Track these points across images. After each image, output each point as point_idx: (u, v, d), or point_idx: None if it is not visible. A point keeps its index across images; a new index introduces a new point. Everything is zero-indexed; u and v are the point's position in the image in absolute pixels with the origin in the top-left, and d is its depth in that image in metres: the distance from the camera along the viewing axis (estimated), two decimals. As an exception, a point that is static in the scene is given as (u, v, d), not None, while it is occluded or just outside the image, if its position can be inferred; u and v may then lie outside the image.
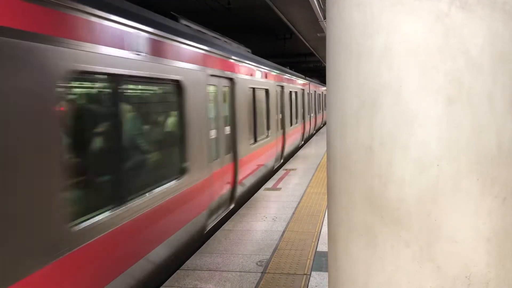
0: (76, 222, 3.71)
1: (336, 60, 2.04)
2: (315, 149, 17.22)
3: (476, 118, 1.75)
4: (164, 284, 5.06)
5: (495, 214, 1.79)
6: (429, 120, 1.77)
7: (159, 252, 5.07)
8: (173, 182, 5.41)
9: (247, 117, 8.95)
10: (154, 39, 4.96)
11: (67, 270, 3.54)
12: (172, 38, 5.42)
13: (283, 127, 13.42)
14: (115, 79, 4.23)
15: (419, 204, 1.81)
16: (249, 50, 10.80)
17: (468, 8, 1.72)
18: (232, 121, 8.08)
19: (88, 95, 4.10)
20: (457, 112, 1.75)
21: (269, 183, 10.60)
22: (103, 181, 4.19)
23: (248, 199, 9.05)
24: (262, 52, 23.86)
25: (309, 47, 22.42)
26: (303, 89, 18.41)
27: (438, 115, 1.76)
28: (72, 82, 3.70)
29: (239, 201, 8.57)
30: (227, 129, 7.87)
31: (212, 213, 7.02)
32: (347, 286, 2.05)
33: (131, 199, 4.48)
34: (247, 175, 9.04)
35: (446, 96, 1.76)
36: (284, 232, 6.82)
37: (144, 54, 4.69)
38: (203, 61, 6.48)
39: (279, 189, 9.96)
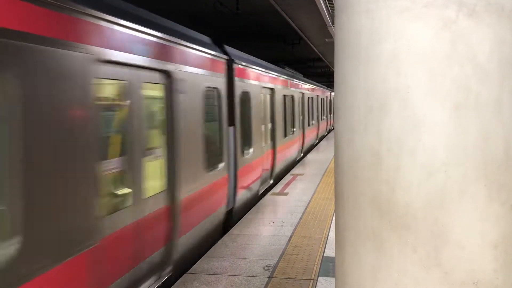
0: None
1: (345, 66, 2.05)
2: (323, 154, 17.22)
3: (483, 124, 1.76)
4: (171, 288, 5.07)
5: (502, 220, 1.80)
6: (436, 125, 1.78)
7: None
8: (292, 133, 14.47)
9: (308, 111, 18.81)
10: (290, 81, 14.04)
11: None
12: (292, 79, 14.54)
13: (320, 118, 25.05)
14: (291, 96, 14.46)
15: (426, 209, 1.82)
16: (301, 75, 19.94)
17: (476, 15, 1.74)
18: (302, 112, 17.11)
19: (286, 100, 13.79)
20: (465, 118, 1.76)
21: (277, 188, 10.60)
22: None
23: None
24: (270, 57, 23.90)
25: (317, 52, 22.44)
26: (327, 97, 28.45)
27: (445, 120, 1.78)
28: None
29: (319, 140, 22.87)
30: (306, 115, 18.09)
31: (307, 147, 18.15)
32: (354, 290, 2.06)
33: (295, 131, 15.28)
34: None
35: (454, 102, 1.77)
36: (291, 237, 6.82)
37: (288, 87, 13.85)
38: (296, 86, 15.35)
39: (287, 194, 9.96)
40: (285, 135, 13.16)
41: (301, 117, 16.61)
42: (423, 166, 1.81)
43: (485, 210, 1.79)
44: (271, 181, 11.30)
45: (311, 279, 5.20)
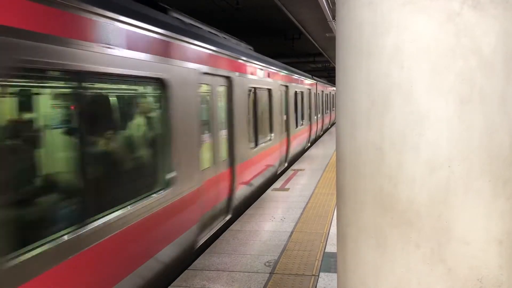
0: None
1: (346, 60, 2.02)
2: (324, 149, 17.20)
3: (488, 118, 1.73)
4: (172, 284, 5.07)
5: (508, 216, 1.77)
6: (440, 120, 1.75)
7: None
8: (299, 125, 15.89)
9: (314, 106, 20.06)
10: (299, 78, 15.73)
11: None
12: (301, 77, 16.55)
13: (324, 110, 27.25)
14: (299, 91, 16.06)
15: (430, 205, 1.79)
16: (310, 76, 21.00)
17: (481, 7, 1.70)
18: (309, 106, 18.35)
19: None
20: (469, 112, 1.73)
21: (277, 184, 10.59)
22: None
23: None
24: (271, 52, 23.84)
25: (318, 47, 22.35)
26: (330, 92, 30.98)
27: (449, 115, 1.74)
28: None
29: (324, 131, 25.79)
30: (313, 109, 19.53)
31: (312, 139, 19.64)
32: (356, 287, 2.04)
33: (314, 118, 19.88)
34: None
35: (458, 96, 1.73)
36: (292, 232, 6.80)
37: (298, 84, 15.70)
38: (303, 82, 16.83)
39: (287, 189, 9.94)
40: (296, 126, 15.14)
41: (308, 111, 18.18)
42: (427, 162, 1.78)
43: (490, 205, 1.76)
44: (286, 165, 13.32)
45: (313, 275, 5.19)
